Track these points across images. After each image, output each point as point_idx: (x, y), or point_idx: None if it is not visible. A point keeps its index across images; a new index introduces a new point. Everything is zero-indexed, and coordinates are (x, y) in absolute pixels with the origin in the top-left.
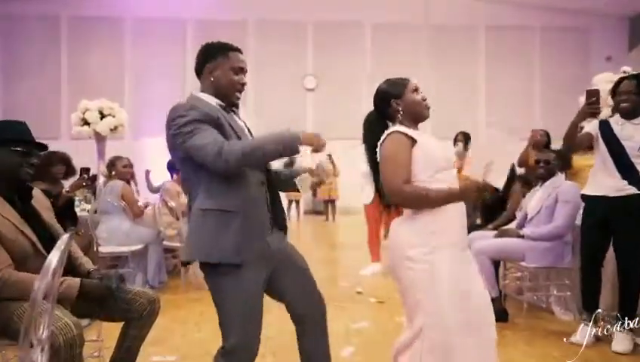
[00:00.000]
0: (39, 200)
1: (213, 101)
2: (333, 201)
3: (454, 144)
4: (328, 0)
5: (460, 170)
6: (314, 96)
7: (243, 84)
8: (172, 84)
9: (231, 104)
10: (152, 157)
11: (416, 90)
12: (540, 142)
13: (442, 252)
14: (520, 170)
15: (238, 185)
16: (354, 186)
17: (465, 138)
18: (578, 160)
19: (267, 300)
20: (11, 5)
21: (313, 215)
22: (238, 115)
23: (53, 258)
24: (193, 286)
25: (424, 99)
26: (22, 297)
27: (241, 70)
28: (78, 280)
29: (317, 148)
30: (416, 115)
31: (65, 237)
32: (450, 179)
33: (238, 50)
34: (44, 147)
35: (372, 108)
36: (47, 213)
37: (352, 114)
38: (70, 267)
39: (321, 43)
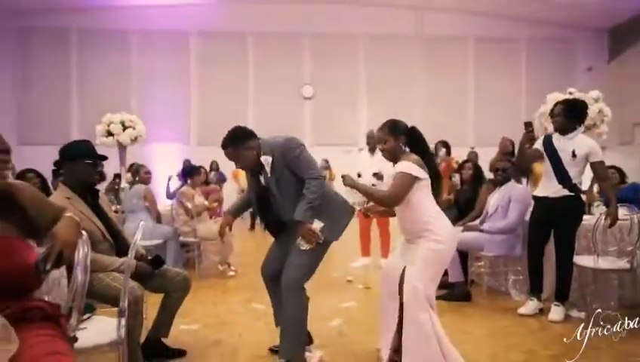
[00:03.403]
0: (103, 199)
1: None
2: None
3: (435, 154)
4: (324, 13)
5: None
6: (311, 104)
7: None
8: (175, 93)
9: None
10: (158, 161)
11: None
12: (507, 149)
13: None
14: (490, 175)
15: None
16: (348, 189)
17: (444, 145)
18: (539, 167)
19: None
20: (25, 18)
21: None
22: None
23: (137, 240)
24: (205, 277)
25: None
26: (98, 270)
27: None
28: (134, 261)
29: None
30: None
31: (140, 225)
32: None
33: None
34: (104, 158)
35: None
36: (108, 209)
37: (347, 121)
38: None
39: (318, 53)
